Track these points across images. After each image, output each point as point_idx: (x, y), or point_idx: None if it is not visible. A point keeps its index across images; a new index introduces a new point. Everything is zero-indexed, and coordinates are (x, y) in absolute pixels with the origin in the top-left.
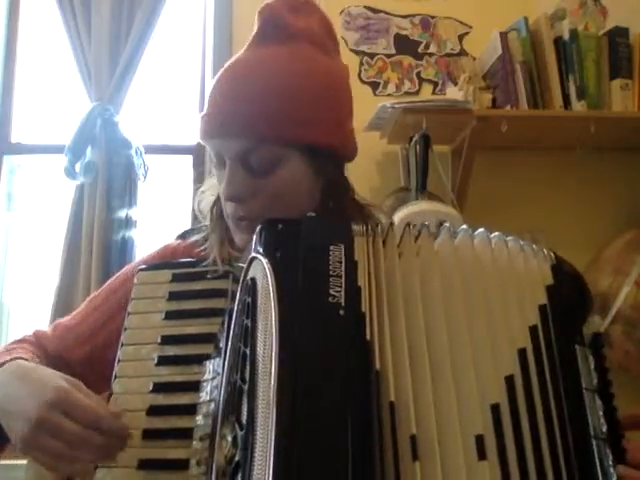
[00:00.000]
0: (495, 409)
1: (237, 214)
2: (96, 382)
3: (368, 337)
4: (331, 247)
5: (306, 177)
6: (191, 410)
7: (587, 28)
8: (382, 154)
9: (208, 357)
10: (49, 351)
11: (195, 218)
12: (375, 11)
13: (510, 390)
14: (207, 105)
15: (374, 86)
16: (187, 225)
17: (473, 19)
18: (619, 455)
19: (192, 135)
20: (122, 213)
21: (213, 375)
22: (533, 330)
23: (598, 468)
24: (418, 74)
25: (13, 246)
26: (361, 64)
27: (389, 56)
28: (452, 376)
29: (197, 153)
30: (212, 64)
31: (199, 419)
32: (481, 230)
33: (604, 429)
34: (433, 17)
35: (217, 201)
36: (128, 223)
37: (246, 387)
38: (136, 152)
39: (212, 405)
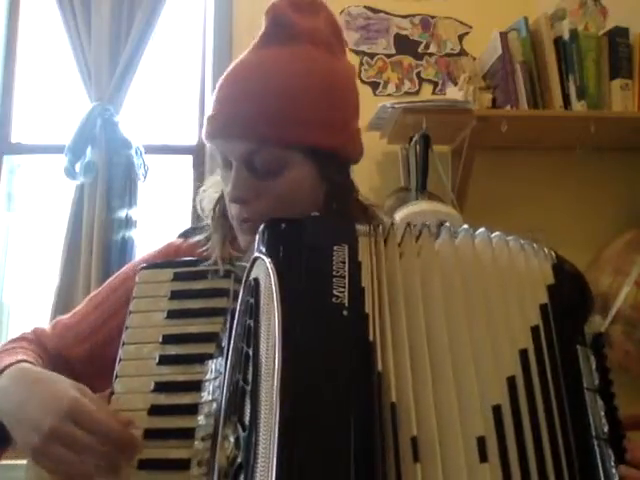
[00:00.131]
0: (496, 410)
1: (241, 216)
2: (96, 379)
3: (371, 338)
4: (335, 247)
5: (310, 179)
6: (193, 410)
7: (587, 28)
8: (382, 154)
9: (210, 357)
10: (49, 349)
11: (196, 218)
12: (375, 11)
13: (512, 391)
14: (211, 106)
15: (374, 86)
16: (187, 225)
17: (473, 19)
18: (620, 455)
19: (192, 135)
20: (122, 213)
21: (215, 375)
22: (534, 330)
23: (600, 469)
24: (418, 74)
25: (13, 246)
26: (361, 64)
27: (389, 56)
28: (453, 377)
29: (197, 153)
30: (212, 64)
31: (201, 419)
32: (482, 230)
33: (605, 429)
34: (433, 17)
35: (220, 199)
36: (128, 223)
37: (249, 388)
38: (136, 152)
39: (214, 405)
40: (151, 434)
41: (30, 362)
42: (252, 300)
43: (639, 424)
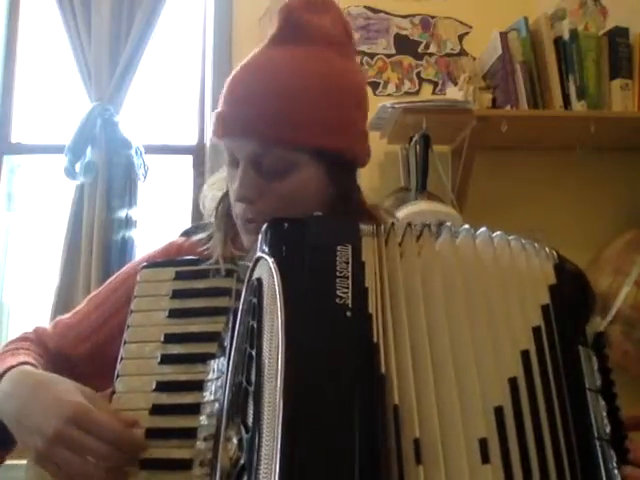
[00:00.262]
0: (498, 411)
1: (246, 215)
2: (97, 379)
3: (375, 339)
4: (338, 247)
5: (316, 180)
6: (195, 410)
7: (587, 28)
8: (382, 154)
9: (212, 356)
10: (50, 348)
11: (196, 218)
12: (375, 11)
13: (513, 392)
14: (220, 103)
15: (374, 86)
16: (187, 225)
17: (473, 19)
18: (622, 456)
19: (192, 135)
20: (122, 213)
21: (217, 375)
22: (536, 331)
23: (602, 469)
24: (418, 74)
25: (13, 246)
26: (361, 64)
27: (389, 56)
28: (455, 378)
29: (197, 153)
30: (212, 64)
31: (203, 419)
32: (483, 229)
33: (607, 430)
34: (433, 17)
35: (224, 198)
36: (128, 223)
37: (252, 389)
38: (136, 152)
39: (216, 405)
40: (153, 434)
41: (32, 364)
42: (255, 300)
43: None
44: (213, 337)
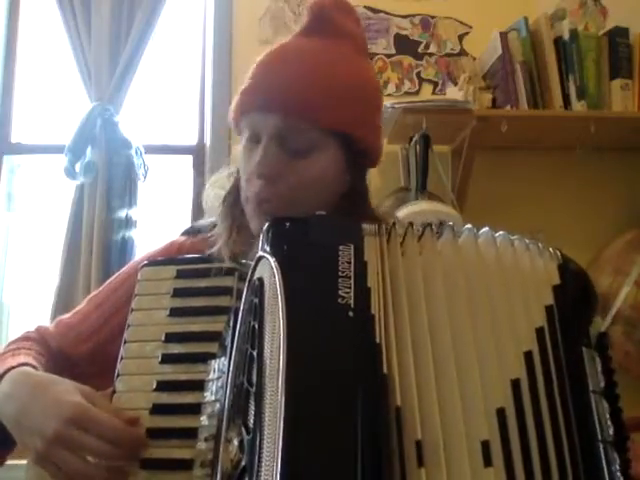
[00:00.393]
0: (501, 413)
1: (261, 194)
2: (99, 378)
3: (378, 340)
4: (340, 247)
5: (335, 168)
6: (195, 410)
7: (587, 28)
8: (382, 154)
9: (213, 356)
10: (52, 347)
11: (195, 218)
12: (375, 11)
13: (516, 394)
14: (248, 82)
15: None
16: (187, 225)
17: (473, 19)
18: (625, 457)
19: (192, 135)
20: (122, 213)
21: (218, 375)
22: (539, 332)
23: (605, 472)
24: (418, 74)
25: (13, 246)
26: None
27: (389, 56)
28: (457, 379)
29: (197, 153)
30: (212, 64)
31: (204, 419)
32: (485, 229)
33: (611, 432)
34: (433, 17)
35: (233, 189)
36: (128, 223)
37: (253, 390)
38: (136, 152)
39: (217, 405)
40: (153, 433)
41: (32, 365)
42: (256, 300)
43: None
44: (214, 337)
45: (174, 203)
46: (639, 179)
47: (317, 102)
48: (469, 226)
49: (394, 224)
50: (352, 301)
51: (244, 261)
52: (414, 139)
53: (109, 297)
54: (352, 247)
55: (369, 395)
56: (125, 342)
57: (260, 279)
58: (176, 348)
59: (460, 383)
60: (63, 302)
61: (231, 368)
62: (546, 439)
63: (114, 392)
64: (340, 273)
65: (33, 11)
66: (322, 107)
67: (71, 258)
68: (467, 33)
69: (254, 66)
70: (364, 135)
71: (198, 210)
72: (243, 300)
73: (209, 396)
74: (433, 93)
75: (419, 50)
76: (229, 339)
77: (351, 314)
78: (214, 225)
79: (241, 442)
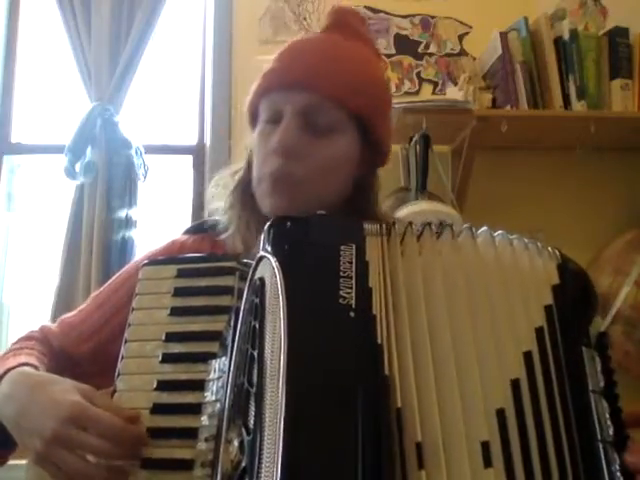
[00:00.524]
0: (500, 414)
1: (277, 172)
2: (100, 378)
3: (379, 341)
4: (342, 247)
5: (352, 154)
6: (196, 409)
7: (587, 28)
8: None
9: (213, 355)
10: (54, 346)
11: (196, 218)
12: (375, 11)
13: (516, 394)
14: (272, 65)
15: None
16: (187, 225)
17: (473, 19)
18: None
19: (192, 135)
20: (122, 213)
21: (219, 375)
22: (539, 332)
23: (605, 472)
24: (418, 74)
25: (13, 246)
26: None
27: (389, 56)
28: (457, 380)
29: (197, 153)
30: (212, 64)
31: (204, 419)
32: (484, 229)
33: (610, 432)
34: (433, 17)
35: (241, 179)
36: (128, 223)
37: (253, 390)
38: (136, 152)
39: (217, 405)
40: (154, 433)
41: (32, 365)
42: (257, 300)
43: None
44: (215, 336)
45: (174, 203)
46: (639, 179)
47: (344, 84)
48: (468, 225)
49: (394, 223)
50: (353, 301)
51: (244, 260)
52: (414, 139)
53: (110, 297)
54: (354, 247)
55: (370, 396)
56: (126, 341)
57: (261, 279)
58: (176, 347)
59: (460, 383)
60: (63, 302)
61: (231, 368)
62: (546, 439)
63: (115, 391)
64: (341, 273)
65: (33, 11)
66: (348, 90)
67: (71, 258)
68: (467, 33)
69: (278, 52)
70: (379, 125)
71: (198, 210)
72: (244, 300)
73: (209, 396)
74: (433, 93)
75: (419, 50)
76: (230, 339)
77: (352, 314)
78: (218, 223)
79: (241, 443)
